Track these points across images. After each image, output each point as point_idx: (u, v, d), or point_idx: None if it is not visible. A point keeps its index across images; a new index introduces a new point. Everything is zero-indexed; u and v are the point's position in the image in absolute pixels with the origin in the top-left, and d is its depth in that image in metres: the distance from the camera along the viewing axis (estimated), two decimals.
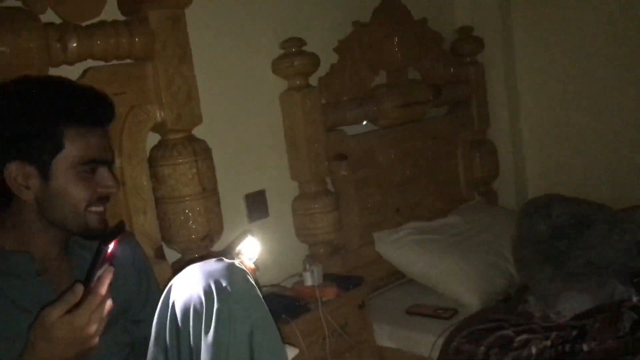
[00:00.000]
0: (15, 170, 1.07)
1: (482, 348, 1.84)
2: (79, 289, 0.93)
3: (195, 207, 1.72)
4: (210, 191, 1.76)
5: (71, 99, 1.10)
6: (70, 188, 1.08)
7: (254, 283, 1.05)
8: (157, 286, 1.33)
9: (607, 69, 2.57)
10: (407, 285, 2.36)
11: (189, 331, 1.01)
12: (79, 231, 1.12)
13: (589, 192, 2.51)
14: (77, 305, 0.92)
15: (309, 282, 1.94)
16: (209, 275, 1.03)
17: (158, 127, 1.72)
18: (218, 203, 1.79)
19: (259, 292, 1.05)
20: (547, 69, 2.74)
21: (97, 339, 0.95)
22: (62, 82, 1.19)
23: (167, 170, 1.70)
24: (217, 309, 0.98)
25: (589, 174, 2.70)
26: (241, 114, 2.05)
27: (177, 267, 1.74)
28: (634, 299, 1.84)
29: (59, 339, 0.91)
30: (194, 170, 1.71)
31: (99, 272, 0.94)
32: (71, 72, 1.52)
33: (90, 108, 1.11)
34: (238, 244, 1.28)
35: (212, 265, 1.06)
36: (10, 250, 1.09)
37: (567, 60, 2.67)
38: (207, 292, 1.00)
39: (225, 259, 1.08)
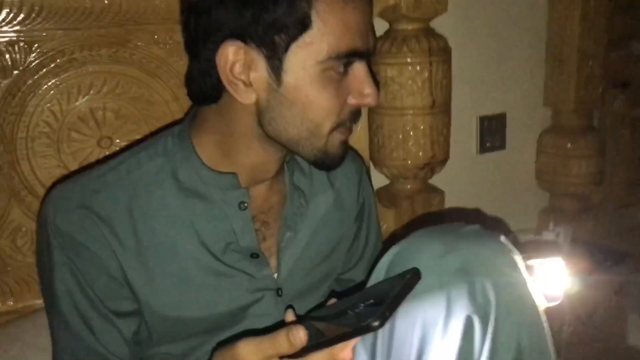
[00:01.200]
0: (232, 56, 0.70)
1: None
2: (300, 337, 0.56)
3: (420, 124, 1.30)
4: (441, 106, 1.32)
5: None
6: (314, 94, 0.70)
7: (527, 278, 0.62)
8: (378, 235, 0.98)
9: None
10: None
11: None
12: (314, 158, 0.76)
13: None
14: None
15: (549, 243, 1.46)
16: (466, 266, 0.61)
17: (387, 12, 1.30)
18: (448, 123, 1.36)
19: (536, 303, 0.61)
20: None
21: None
22: None
23: (391, 70, 1.29)
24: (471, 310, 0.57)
25: None
26: (493, 11, 1.54)
27: (389, 197, 1.38)
28: None
29: None
30: (426, 74, 1.27)
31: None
32: None
33: None
34: (533, 256, 0.82)
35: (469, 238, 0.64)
36: (209, 169, 0.78)
37: None
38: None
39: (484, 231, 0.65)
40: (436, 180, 1.42)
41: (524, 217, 1.65)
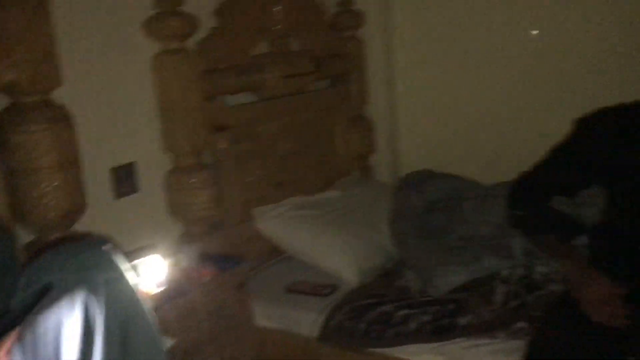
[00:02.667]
0: None
1: (363, 324, 1.83)
2: None
3: (54, 180, 1.51)
4: (71, 163, 1.55)
5: None
6: None
7: (125, 270, 0.91)
8: None
9: (483, 50, 2.65)
10: (286, 262, 2.30)
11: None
12: None
13: (462, 169, 2.60)
14: None
15: (183, 263, 1.80)
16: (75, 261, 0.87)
17: (9, 87, 1.48)
18: (81, 176, 1.59)
19: (130, 280, 0.91)
20: (425, 48, 2.77)
21: None
22: None
23: (19, 138, 1.47)
24: (86, 295, 0.83)
25: (462, 151, 2.79)
26: (108, 78, 1.83)
27: (33, 250, 1.54)
28: (505, 272, 1.92)
29: None
30: (50, 138, 1.49)
31: None
32: None
33: None
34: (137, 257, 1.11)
35: (78, 249, 0.90)
36: None
37: (445, 39, 2.72)
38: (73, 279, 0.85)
39: (92, 241, 0.92)
40: (79, 227, 1.64)
41: (165, 244, 1.97)
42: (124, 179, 1.89)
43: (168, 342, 1.41)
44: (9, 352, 0.78)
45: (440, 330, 1.74)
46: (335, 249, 2.16)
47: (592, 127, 1.53)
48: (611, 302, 1.43)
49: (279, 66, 2.26)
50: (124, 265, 0.90)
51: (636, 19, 2.31)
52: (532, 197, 1.66)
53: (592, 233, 1.68)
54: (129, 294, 0.89)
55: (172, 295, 1.66)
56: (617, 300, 1.44)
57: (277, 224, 2.24)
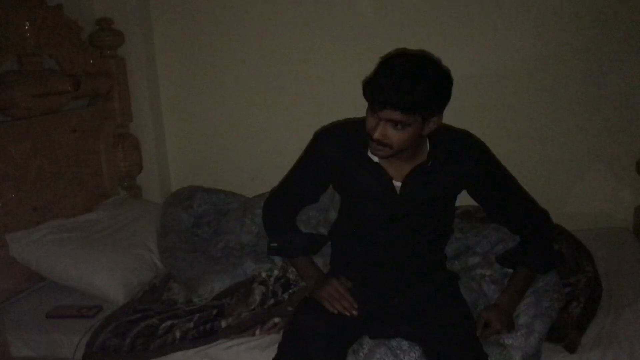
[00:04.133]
0: None
1: (128, 340, 1.86)
2: None
3: None
4: None
5: None
6: None
7: None
8: None
9: (245, 58, 2.80)
10: (47, 289, 2.21)
11: None
12: None
13: (227, 182, 2.75)
14: None
15: None
16: None
17: None
18: None
19: None
20: (187, 63, 2.86)
21: None
22: None
23: None
24: None
25: (227, 164, 2.93)
26: None
27: None
28: (263, 274, 2.10)
29: None
30: None
31: None
32: None
33: None
34: None
35: None
36: None
37: (206, 50, 2.82)
38: None
39: None
40: None
41: None
42: None
43: None
44: None
45: (203, 335, 1.84)
46: (100, 269, 2.13)
47: (321, 138, 1.78)
48: (340, 296, 1.70)
49: (31, 84, 2.18)
50: None
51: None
52: (282, 226, 1.93)
53: (330, 231, 1.96)
54: None
55: None
56: (345, 294, 1.70)
57: (35, 249, 2.14)
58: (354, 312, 1.67)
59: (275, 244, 1.93)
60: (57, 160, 2.37)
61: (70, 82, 2.38)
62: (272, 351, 1.72)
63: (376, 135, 1.56)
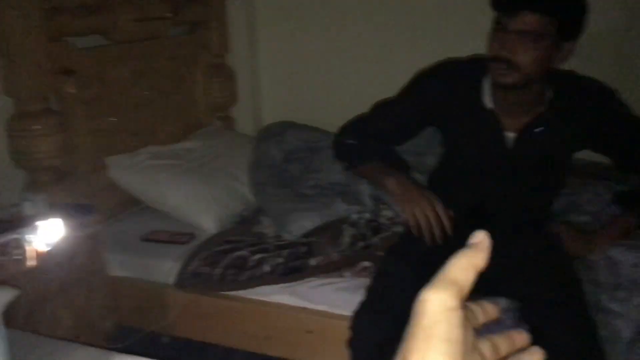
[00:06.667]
0: None
1: (219, 269, 1.88)
2: None
3: None
4: None
5: None
6: None
7: None
8: None
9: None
10: (142, 213, 2.26)
11: None
12: None
13: (323, 120, 2.69)
14: None
15: (30, 212, 1.72)
16: None
17: None
18: None
19: None
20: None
21: None
22: None
23: None
24: None
25: (324, 101, 2.86)
26: None
27: None
28: (354, 216, 2.04)
29: None
30: None
31: None
32: None
33: None
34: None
35: None
36: None
37: None
38: None
39: None
40: None
41: (9, 194, 1.86)
42: None
43: (10, 294, 1.35)
44: None
45: (291, 271, 1.83)
46: (193, 198, 2.16)
47: (428, 75, 1.65)
48: (436, 219, 1.55)
49: (132, 9, 2.17)
50: None
51: None
52: (363, 130, 1.75)
53: (429, 178, 1.84)
54: None
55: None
56: (444, 218, 1.55)
57: (133, 173, 2.19)
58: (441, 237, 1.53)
59: (350, 141, 1.75)
60: (156, 87, 2.38)
61: (170, 7, 2.35)
62: (360, 295, 1.68)
63: (504, 52, 1.39)
